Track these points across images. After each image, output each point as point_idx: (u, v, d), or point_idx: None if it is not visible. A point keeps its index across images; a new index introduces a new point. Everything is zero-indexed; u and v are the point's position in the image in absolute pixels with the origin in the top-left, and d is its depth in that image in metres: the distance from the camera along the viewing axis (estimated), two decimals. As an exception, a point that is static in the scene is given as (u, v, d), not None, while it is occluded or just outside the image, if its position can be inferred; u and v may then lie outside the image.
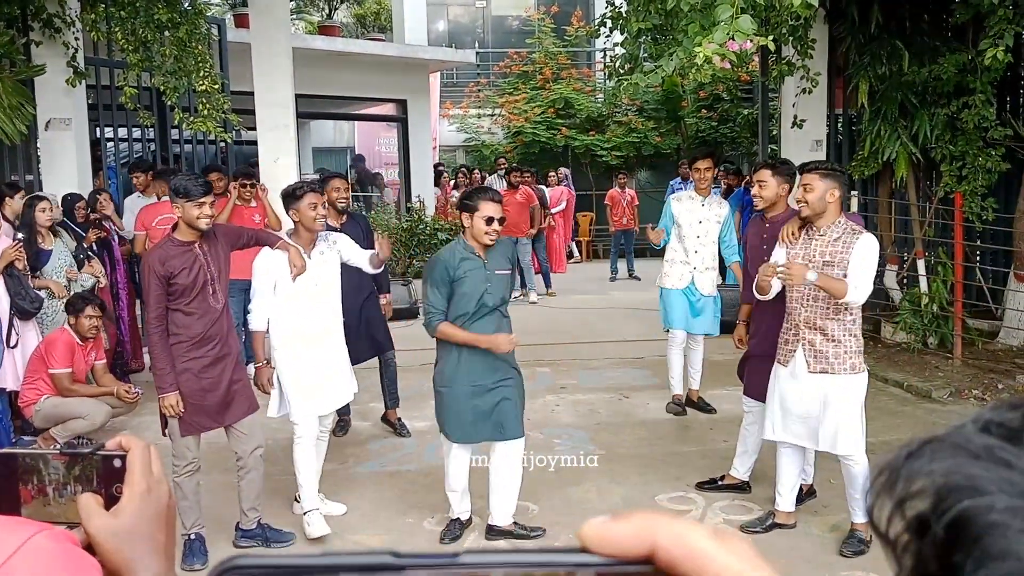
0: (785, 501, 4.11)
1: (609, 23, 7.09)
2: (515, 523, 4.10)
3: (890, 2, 7.18)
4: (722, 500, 4.52)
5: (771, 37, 4.43)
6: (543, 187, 12.11)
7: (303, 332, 4.21)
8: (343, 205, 5.37)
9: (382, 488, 4.73)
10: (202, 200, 3.74)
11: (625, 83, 5.72)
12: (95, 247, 6.20)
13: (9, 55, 6.30)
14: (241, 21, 9.73)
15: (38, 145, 6.78)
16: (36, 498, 0.78)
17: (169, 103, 6.94)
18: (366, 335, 5.35)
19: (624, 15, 6.63)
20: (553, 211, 12.04)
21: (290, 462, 4.35)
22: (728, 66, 4.26)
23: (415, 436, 5.54)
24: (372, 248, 4.69)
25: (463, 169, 13.51)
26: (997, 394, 6.17)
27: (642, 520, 0.40)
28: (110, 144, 8.96)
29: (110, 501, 0.78)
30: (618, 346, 7.83)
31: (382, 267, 4.68)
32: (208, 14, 8.01)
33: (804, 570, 3.79)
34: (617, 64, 6.96)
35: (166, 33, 6.64)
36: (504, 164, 12.25)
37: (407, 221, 11.28)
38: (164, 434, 3.93)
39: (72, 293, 5.60)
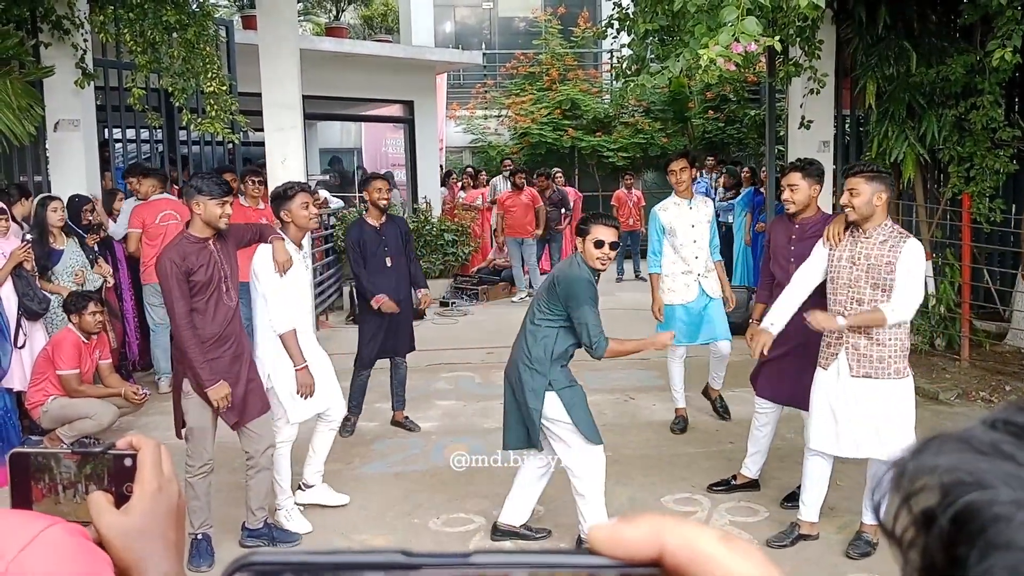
0: (810, 511, 3.95)
1: (616, 24, 7.08)
2: (523, 524, 4.10)
3: (898, 3, 7.16)
4: (728, 502, 4.51)
5: (778, 38, 4.41)
6: (566, 189, 12.09)
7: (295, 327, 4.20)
8: (384, 204, 5.39)
9: (388, 488, 4.73)
10: (224, 199, 3.75)
11: (632, 84, 5.70)
12: (96, 248, 6.22)
13: (18, 56, 6.32)
14: (249, 23, 9.76)
15: (47, 146, 6.79)
16: (47, 496, 0.79)
17: (177, 104, 6.95)
18: (407, 331, 5.54)
19: (631, 16, 6.61)
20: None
21: (297, 463, 4.37)
22: (733, 68, 4.24)
23: (421, 437, 5.54)
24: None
25: (469, 169, 13.52)
26: (1005, 396, 6.14)
27: (650, 523, 0.40)
28: (118, 145, 9.00)
29: (121, 500, 0.78)
30: (624, 347, 7.81)
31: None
32: (216, 16, 8.02)
33: (810, 572, 3.78)
34: (624, 65, 6.93)
35: (174, 35, 6.65)
36: (510, 165, 12.20)
37: (413, 222, 11.28)
38: (179, 436, 3.91)
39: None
